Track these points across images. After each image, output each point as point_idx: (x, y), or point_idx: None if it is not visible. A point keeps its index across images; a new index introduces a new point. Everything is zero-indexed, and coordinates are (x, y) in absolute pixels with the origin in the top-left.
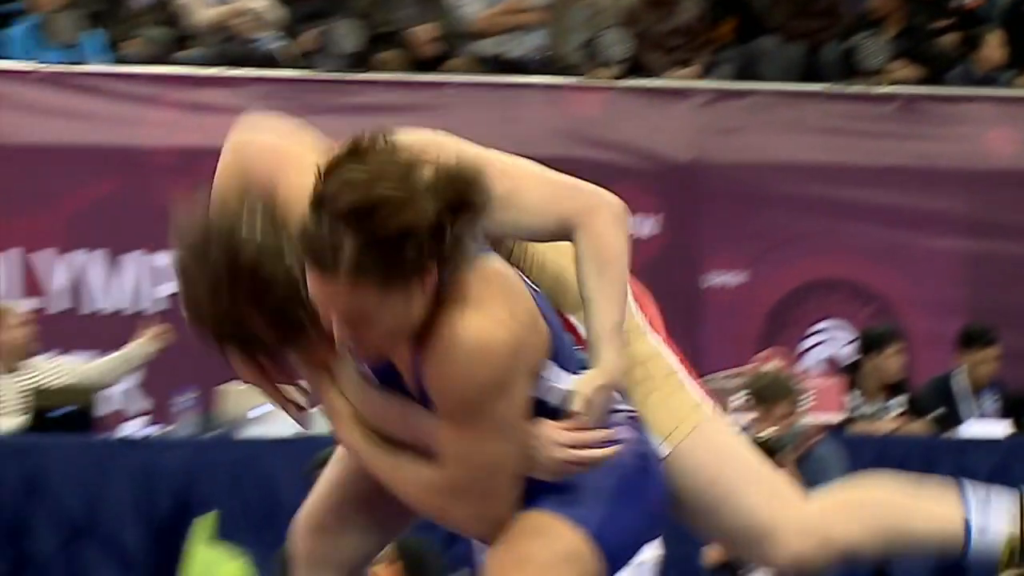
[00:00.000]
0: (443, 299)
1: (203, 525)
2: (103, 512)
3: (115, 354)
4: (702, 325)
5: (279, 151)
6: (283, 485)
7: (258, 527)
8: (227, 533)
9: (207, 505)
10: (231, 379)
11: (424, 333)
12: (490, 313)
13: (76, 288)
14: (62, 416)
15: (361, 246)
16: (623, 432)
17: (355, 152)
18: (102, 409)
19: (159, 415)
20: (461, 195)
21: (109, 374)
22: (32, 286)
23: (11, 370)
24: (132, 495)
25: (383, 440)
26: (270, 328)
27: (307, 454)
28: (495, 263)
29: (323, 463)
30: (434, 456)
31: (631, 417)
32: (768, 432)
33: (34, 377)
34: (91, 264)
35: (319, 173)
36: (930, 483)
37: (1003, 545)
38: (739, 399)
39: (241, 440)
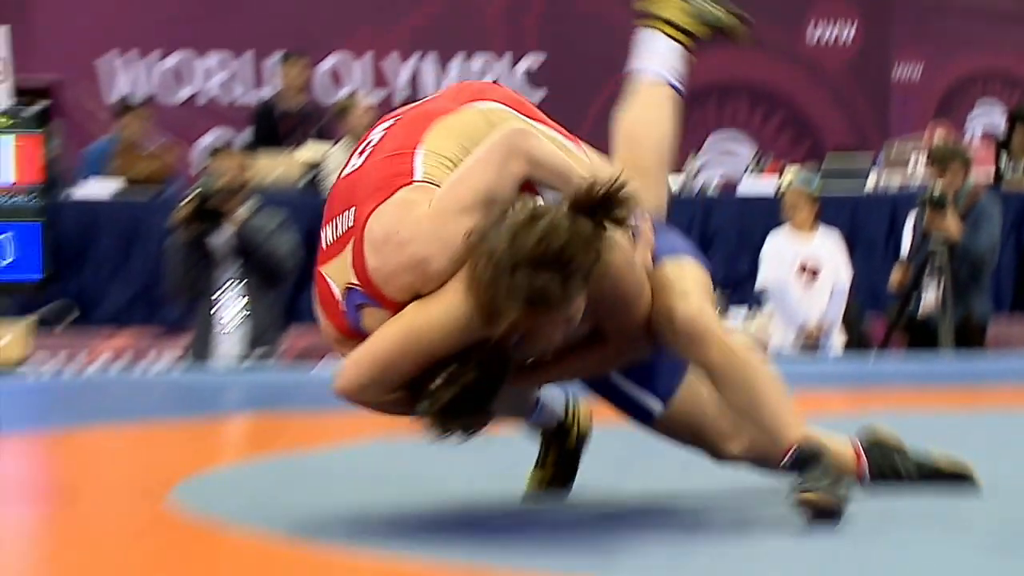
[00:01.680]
0: None
1: None
2: None
3: None
4: (891, 107)
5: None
6: None
7: None
8: None
9: None
10: None
11: None
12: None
13: (413, 84)
14: None
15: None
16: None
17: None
18: None
19: None
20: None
21: None
22: (380, 82)
23: None
24: None
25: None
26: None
27: None
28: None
29: None
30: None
31: None
32: (943, 188)
33: None
34: (425, 66)
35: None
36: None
37: None
38: (919, 163)
39: None
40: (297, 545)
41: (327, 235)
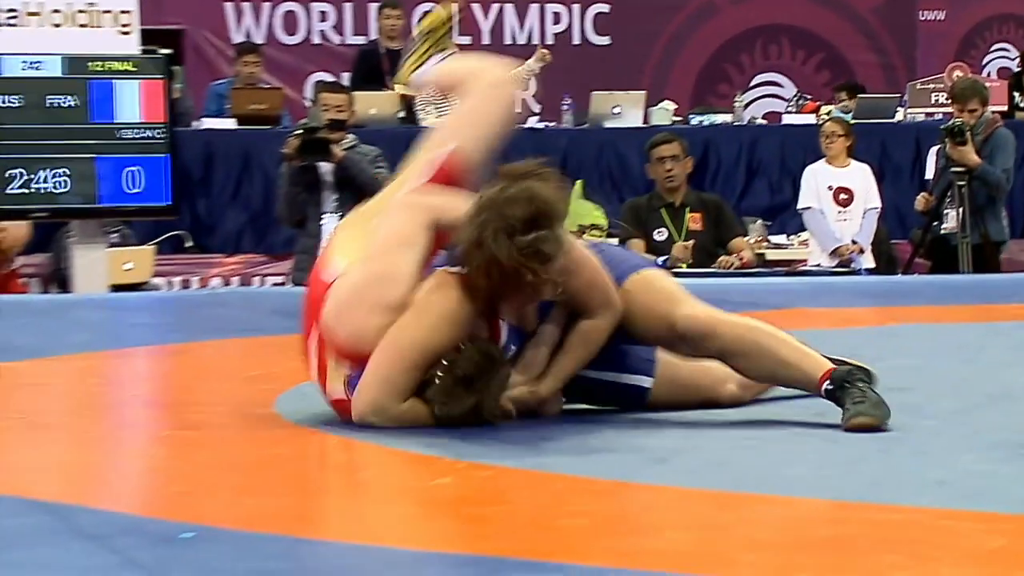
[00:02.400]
0: None
1: (577, 187)
2: None
3: (518, 69)
4: (917, 49)
5: None
6: (630, 162)
7: (612, 189)
8: (592, 193)
9: (579, 174)
10: (598, 89)
11: None
12: None
13: (495, 31)
14: None
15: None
16: None
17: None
18: None
19: (548, 113)
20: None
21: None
22: (465, 29)
23: None
24: None
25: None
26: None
27: (646, 139)
28: None
29: (657, 143)
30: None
31: None
32: (963, 121)
33: None
34: (506, 13)
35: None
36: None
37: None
38: (940, 98)
39: (603, 129)
40: (390, 446)
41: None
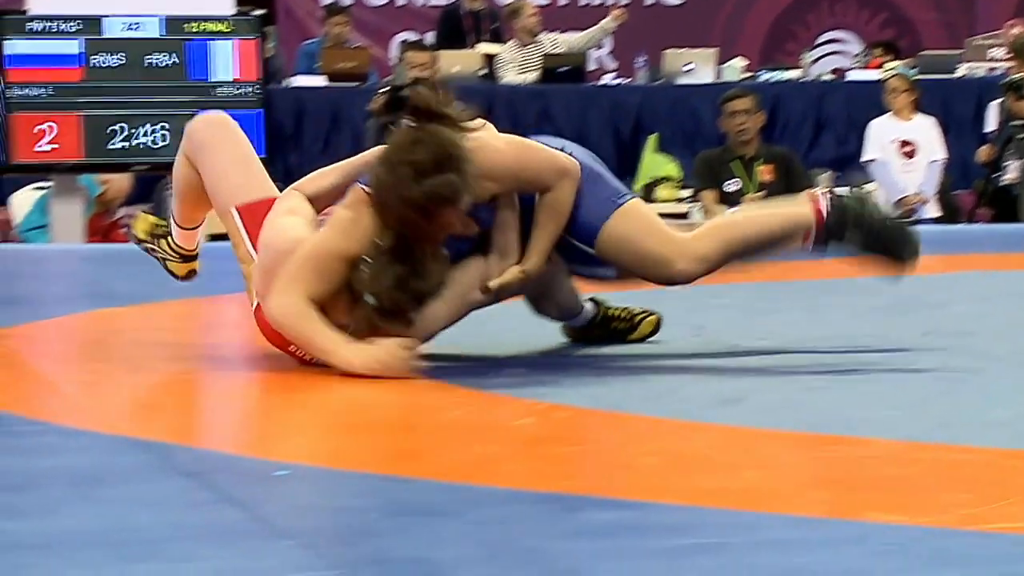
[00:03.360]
0: None
1: (651, 141)
2: (588, 132)
3: (594, 28)
4: (977, 7)
5: None
6: (703, 117)
7: (685, 143)
8: (665, 147)
9: (653, 128)
10: (671, 47)
11: None
12: None
13: None
14: (563, 71)
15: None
16: None
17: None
18: (589, 66)
19: (623, 70)
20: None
21: (591, 43)
22: None
23: (526, 44)
24: (607, 122)
25: None
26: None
27: (718, 95)
28: None
29: (730, 98)
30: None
31: None
32: (1022, 76)
33: (543, 46)
34: None
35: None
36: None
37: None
38: (997, 54)
39: (676, 85)
40: (474, 388)
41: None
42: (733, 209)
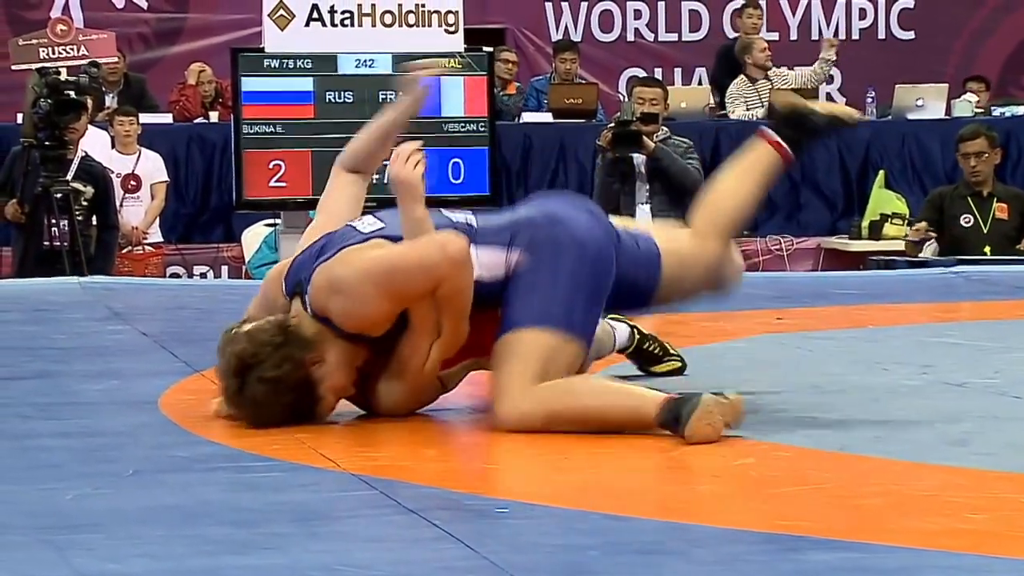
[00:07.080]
0: None
1: (879, 177)
2: (815, 168)
3: (817, 63)
4: None
5: None
6: (932, 153)
7: (914, 179)
8: (893, 183)
9: (881, 164)
10: (902, 82)
11: None
12: None
13: (804, 25)
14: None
15: None
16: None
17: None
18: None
19: (853, 105)
20: None
21: (820, 77)
22: (774, 23)
23: (755, 80)
24: (834, 157)
25: None
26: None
27: (948, 131)
28: None
29: (965, 137)
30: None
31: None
32: None
33: (772, 82)
34: (814, 6)
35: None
36: None
37: None
38: None
39: (907, 120)
40: None
41: None
42: None
